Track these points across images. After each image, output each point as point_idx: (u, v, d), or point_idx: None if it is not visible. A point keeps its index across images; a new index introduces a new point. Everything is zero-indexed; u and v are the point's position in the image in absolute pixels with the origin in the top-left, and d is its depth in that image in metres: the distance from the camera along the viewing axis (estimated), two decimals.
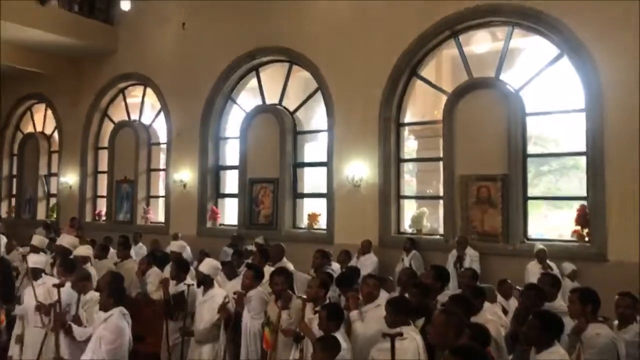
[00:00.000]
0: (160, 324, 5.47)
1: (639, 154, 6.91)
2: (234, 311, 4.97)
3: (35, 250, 7.48)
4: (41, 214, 14.33)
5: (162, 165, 12.54)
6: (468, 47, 9.05)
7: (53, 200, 14.35)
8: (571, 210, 8.26)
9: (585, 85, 7.58)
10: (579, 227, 7.57)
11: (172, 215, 11.65)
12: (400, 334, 3.53)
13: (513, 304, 5.65)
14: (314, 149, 10.71)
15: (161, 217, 12.13)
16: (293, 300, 4.71)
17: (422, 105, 10.51)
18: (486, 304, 4.58)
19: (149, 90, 12.64)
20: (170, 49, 11.92)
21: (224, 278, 6.02)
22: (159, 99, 12.23)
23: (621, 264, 6.87)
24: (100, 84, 13.19)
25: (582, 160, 8.06)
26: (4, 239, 8.89)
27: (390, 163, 9.03)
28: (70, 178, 13.59)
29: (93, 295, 4.75)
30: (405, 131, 9.72)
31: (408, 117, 9.51)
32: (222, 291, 5.34)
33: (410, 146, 10.72)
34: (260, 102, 10.94)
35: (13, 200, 15.23)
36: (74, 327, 4.39)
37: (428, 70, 9.47)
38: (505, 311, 5.33)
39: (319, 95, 10.04)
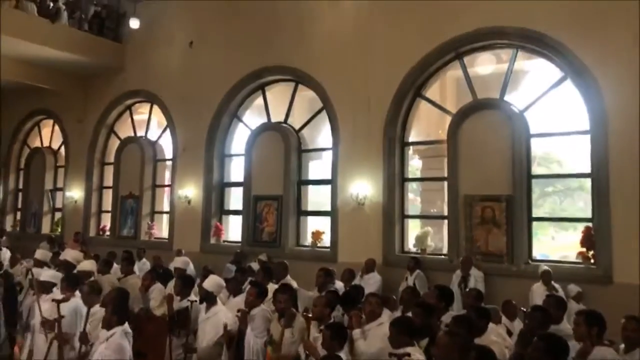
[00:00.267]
0: (162, 340, 5.45)
1: None
2: (237, 329, 4.95)
3: (39, 264, 7.51)
4: (46, 228, 14.38)
5: (167, 182, 12.60)
6: (472, 69, 9.12)
7: (58, 215, 14.41)
8: (576, 232, 8.23)
9: (589, 107, 7.61)
10: (584, 249, 7.53)
11: (176, 231, 11.67)
12: (408, 355, 3.52)
13: (518, 325, 5.62)
14: (319, 167, 10.75)
15: (165, 233, 12.15)
16: (296, 318, 4.70)
17: (426, 125, 10.57)
18: (491, 325, 4.55)
19: (155, 107, 12.78)
20: (177, 67, 12.07)
21: (227, 295, 6.01)
22: (165, 116, 12.35)
23: (627, 287, 6.80)
24: (107, 100, 13.35)
25: (587, 181, 8.05)
26: (8, 253, 8.93)
27: (395, 182, 9.04)
28: (75, 193, 13.66)
29: (98, 309, 4.74)
30: (410, 150, 9.76)
31: (412, 137, 9.55)
32: (225, 308, 5.33)
33: (414, 165, 10.76)
34: (265, 120, 11.03)
35: (18, 214, 15.30)
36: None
37: (432, 91, 9.54)
38: (509, 333, 5.28)
39: (323, 114, 10.11)
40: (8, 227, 15.05)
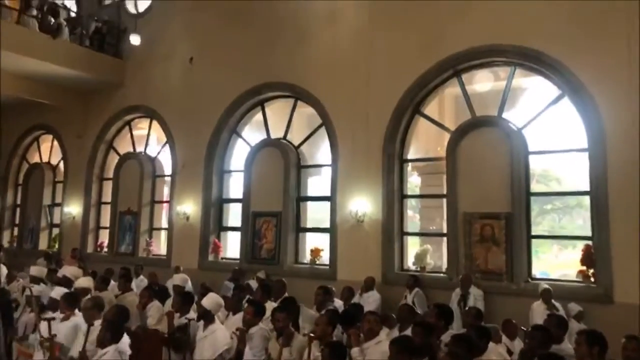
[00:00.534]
0: (159, 358, 5.39)
1: None
2: (235, 348, 4.90)
3: (36, 280, 7.47)
4: (43, 244, 14.28)
5: (166, 198, 12.57)
6: (470, 86, 9.18)
7: (56, 231, 14.34)
8: (575, 250, 8.21)
9: (586, 125, 7.65)
10: (584, 267, 7.49)
11: (174, 248, 11.60)
12: None
13: (518, 344, 5.57)
14: (318, 184, 10.74)
15: (163, 250, 12.08)
16: (295, 337, 4.66)
17: (425, 141, 10.60)
18: (491, 345, 4.52)
19: (155, 123, 12.80)
20: (177, 83, 12.13)
21: (226, 313, 5.96)
22: (164, 131, 12.37)
23: (627, 306, 6.76)
24: (107, 116, 13.38)
25: (586, 199, 8.05)
26: (5, 270, 8.87)
27: (394, 199, 9.03)
28: (73, 208, 13.62)
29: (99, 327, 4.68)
30: (409, 167, 9.77)
31: (411, 154, 9.57)
32: (223, 327, 5.29)
33: (413, 182, 10.76)
34: (265, 136, 11.05)
35: (16, 230, 15.23)
36: None
37: (431, 108, 9.59)
38: (510, 352, 5.24)
39: (323, 130, 10.14)
40: (5, 243, 14.97)
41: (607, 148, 7.36)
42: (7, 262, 10.35)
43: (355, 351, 4.40)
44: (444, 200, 8.84)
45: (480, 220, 8.13)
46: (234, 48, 11.22)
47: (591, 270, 7.41)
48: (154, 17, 12.88)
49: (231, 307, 6.07)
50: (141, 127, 13.54)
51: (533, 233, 8.20)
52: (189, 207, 11.43)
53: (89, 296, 6.12)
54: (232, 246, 11.27)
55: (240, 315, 5.47)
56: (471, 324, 5.15)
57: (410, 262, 9.06)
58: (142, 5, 13.50)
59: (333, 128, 9.79)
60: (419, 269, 8.78)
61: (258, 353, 4.81)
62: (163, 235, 12.36)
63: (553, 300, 7.01)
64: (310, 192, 10.59)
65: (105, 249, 12.97)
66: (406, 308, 5.75)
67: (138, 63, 12.88)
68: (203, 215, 11.23)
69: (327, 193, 9.83)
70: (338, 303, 6.95)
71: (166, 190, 12.62)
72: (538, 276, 8.08)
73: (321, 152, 10.80)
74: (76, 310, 4.99)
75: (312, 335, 4.46)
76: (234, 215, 11.39)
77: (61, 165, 14.58)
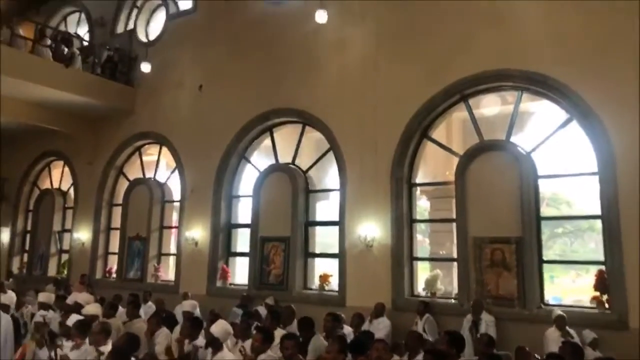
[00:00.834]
0: None
1: None
2: None
3: (44, 307, 7.46)
4: (52, 270, 14.32)
5: (174, 223, 12.60)
6: (478, 110, 9.21)
7: (65, 257, 14.38)
8: (589, 274, 8.08)
9: (596, 148, 7.61)
10: (597, 293, 7.36)
11: (182, 273, 11.57)
12: None
13: None
14: (326, 208, 10.72)
15: (172, 276, 12.05)
16: None
17: (433, 165, 10.59)
18: None
19: (164, 149, 12.92)
20: (187, 110, 12.27)
21: (234, 341, 5.90)
22: (174, 157, 12.47)
23: None
24: (117, 142, 13.53)
25: (598, 222, 7.96)
26: (14, 296, 8.86)
27: (403, 223, 8.98)
28: (83, 234, 13.67)
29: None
30: (417, 191, 9.74)
31: (420, 178, 9.55)
32: (231, 354, 5.23)
33: (422, 206, 10.70)
34: (273, 161, 11.10)
35: (25, 256, 15.29)
36: None
37: (439, 132, 9.61)
38: None
39: (331, 155, 10.17)
40: (15, 270, 15.02)
41: (617, 171, 7.31)
42: (17, 289, 10.37)
43: None
44: (454, 224, 8.77)
45: (490, 244, 8.05)
46: (243, 75, 11.37)
47: (605, 296, 7.27)
48: (164, 46, 13.13)
49: (239, 333, 6.01)
50: (151, 153, 13.67)
51: (544, 257, 8.08)
52: (198, 233, 11.43)
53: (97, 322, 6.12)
54: (240, 272, 11.22)
55: (248, 342, 5.42)
56: (483, 352, 5.06)
57: (420, 287, 8.96)
58: (153, 34, 13.80)
59: (341, 153, 9.82)
60: (429, 294, 8.67)
61: None
62: (171, 260, 12.35)
63: (567, 327, 6.87)
64: (319, 217, 10.56)
65: (114, 275, 12.96)
66: (415, 335, 5.66)
67: (148, 90, 13.07)
68: (211, 241, 11.22)
69: (336, 218, 9.80)
70: (347, 330, 6.86)
71: (175, 216, 12.66)
72: (551, 302, 7.94)
73: (329, 176, 10.82)
74: (87, 339, 4.97)
75: None
76: (242, 240, 11.37)
77: (71, 191, 14.70)
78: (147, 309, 9.39)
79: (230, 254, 11.35)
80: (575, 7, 7.90)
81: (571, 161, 8.67)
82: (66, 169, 14.97)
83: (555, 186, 9.97)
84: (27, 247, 15.33)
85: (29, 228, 15.45)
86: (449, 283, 9.29)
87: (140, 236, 12.48)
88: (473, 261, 8.14)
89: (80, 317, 5.72)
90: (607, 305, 7.23)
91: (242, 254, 11.16)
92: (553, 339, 6.61)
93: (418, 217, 9.64)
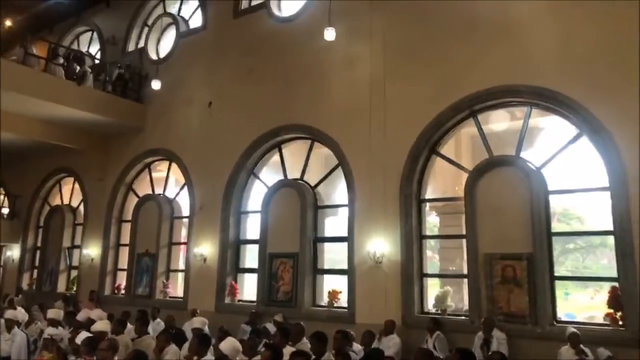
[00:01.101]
0: None
1: None
2: None
3: (53, 323, 7.47)
4: (62, 287, 14.36)
5: (183, 239, 12.62)
6: (487, 126, 9.18)
7: (74, 273, 14.42)
8: (602, 291, 7.96)
9: (607, 164, 7.54)
10: (611, 310, 7.24)
11: (191, 290, 11.56)
12: None
13: None
14: (335, 224, 10.69)
15: (180, 292, 12.03)
16: None
17: (442, 181, 10.56)
18: None
19: (173, 166, 13.01)
20: (196, 127, 12.38)
21: (242, 357, 5.86)
22: (183, 173, 12.54)
23: None
24: (127, 158, 13.65)
25: (610, 238, 7.86)
26: (24, 313, 8.89)
27: (412, 239, 8.93)
28: (92, 250, 13.72)
29: None
30: (427, 207, 9.69)
31: (429, 193, 9.51)
32: None
33: (431, 222, 10.64)
34: (282, 177, 11.13)
35: (35, 272, 15.35)
36: None
37: (447, 148, 9.59)
38: None
39: (339, 170, 10.18)
40: (24, 286, 15.08)
41: (629, 187, 7.22)
42: (26, 305, 10.40)
43: None
44: (464, 240, 8.70)
45: (501, 261, 7.97)
46: (253, 92, 11.47)
47: (619, 313, 7.15)
48: (174, 63, 13.30)
49: (247, 350, 5.96)
50: (160, 170, 13.76)
51: (556, 273, 7.97)
52: (206, 249, 11.44)
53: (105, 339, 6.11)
54: (248, 288, 11.18)
55: (257, 359, 5.38)
56: None
57: (430, 304, 8.87)
58: (164, 52, 13.99)
59: (349, 168, 9.82)
60: (439, 311, 8.58)
61: None
62: (180, 277, 12.34)
63: (581, 345, 6.75)
64: (327, 233, 10.53)
65: (123, 291, 12.96)
66: (423, 352, 5.58)
67: (159, 107, 13.22)
68: (220, 257, 11.21)
69: (345, 234, 9.76)
70: (357, 347, 6.79)
71: (184, 232, 12.69)
72: (564, 319, 7.82)
73: (338, 192, 10.81)
74: (95, 356, 4.97)
75: None
76: (250, 256, 11.35)
77: (81, 207, 14.80)
78: (156, 326, 9.37)
79: (238, 270, 11.33)
80: (584, 22, 7.91)
81: (582, 176, 8.59)
82: (76, 185, 15.11)
83: (566, 201, 9.87)
84: (36, 264, 15.41)
85: (39, 244, 15.55)
86: (460, 300, 9.19)
87: (149, 252, 12.51)
88: (484, 277, 8.05)
89: (89, 334, 5.73)
90: (621, 323, 7.11)
91: (251, 270, 11.13)
92: (567, 357, 6.50)
93: (427, 233, 9.57)
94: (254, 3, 12.40)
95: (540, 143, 9.56)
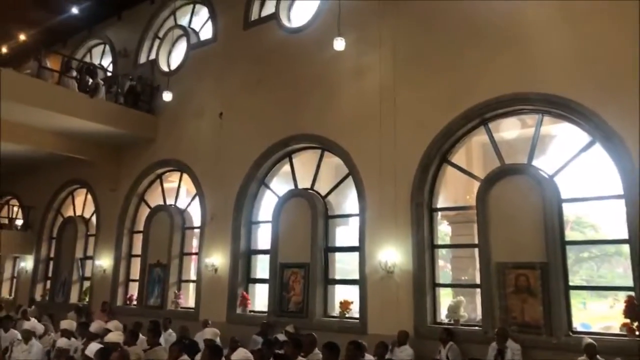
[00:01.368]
0: None
1: None
2: None
3: (66, 334, 7.51)
4: (74, 297, 14.44)
5: (194, 250, 12.65)
6: (498, 134, 9.12)
7: (87, 284, 14.50)
8: (620, 299, 7.82)
9: (620, 171, 7.45)
10: (628, 320, 7.11)
11: (202, 300, 11.56)
12: None
13: None
14: (346, 234, 10.66)
15: (192, 302, 12.03)
16: None
17: (454, 190, 10.49)
18: None
19: (185, 176, 13.07)
20: (207, 138, 12.45)
21: None
22: (194, 184, 12.60)
23: None
24: (139, 170, 13.76)
25: (625, 246, 7.74)
26: (38, 324, 8.93)
27: (424, 249, 8.87)
28: (104, 261, 13.80)
29: None
30: (438, 216, 9.62)
31: (440, 202, 9.44)
32: None
33: (443, 231, 10.56)
34: (292, 187, 11.13)
35: (48, 283, 15.46)
36: None
37: (459, 156, 9.54)
38: None
39: (350, 179, 10.16)
40: (38, 297, 15.19)
41: None
42: (39, 316, 10.47)
43: None
44: (476, 249, 8.62)
45: (514, 270, 7.88)
46: (263, 102, 11.53)
47: (635, 323, 7.02)
48: (185, 75, 13.43)
49: None
50: (172, 180, 13.84)
51: (571, 283, 7.85)
52: (217, 259, 11.45)
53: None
54: (260, 298, 11.15)
55: None
56: None
57: (443, 314, 8.78)
58: (174, 64, 14.13)
59: (360, 177, 9.80)
60: (452, 321, 8.49)
61: None
62: (191, 287, 12.35)
63: (598, 356, 6.63)
64: (338, 243, 10.50)
65: (135, 302, 13.00)
66: None
67: (170, 118, 13.32)
68: (231, 267, 11.22)
69: (356, 243, 9.72)
70: (369, 358, 6.73)
71: (195, 242, 12.72)
72: (579, 329, 7.69)
73: (349, 201, 10.78)
74: None
75: None
76: (261, 266, 11.34)
77: (94, 218, 14.91)
78: (167, 337, 9.38)
79: (249, 280, 11.32)
80: (594, 29, 7.87)
81: (595, 184, 8.49)
82: (89, 196, 15.24)
83: (579, 209, 9.75)
84: (50, 274, 15.52)
85: (52, 255, 15.68)
86: (473, 310, 9.08)
87: (160, 263, 12.55)
88: (497, 287, 7.97)
89: (99, 345, 5.74)
90: (637, 333, 6.98)
91: (262, 281, 11.12)
92: None
93: (439, 242, 9.50)
94: (263, 14, 12.50)
95: (553, 151, 9.47)
